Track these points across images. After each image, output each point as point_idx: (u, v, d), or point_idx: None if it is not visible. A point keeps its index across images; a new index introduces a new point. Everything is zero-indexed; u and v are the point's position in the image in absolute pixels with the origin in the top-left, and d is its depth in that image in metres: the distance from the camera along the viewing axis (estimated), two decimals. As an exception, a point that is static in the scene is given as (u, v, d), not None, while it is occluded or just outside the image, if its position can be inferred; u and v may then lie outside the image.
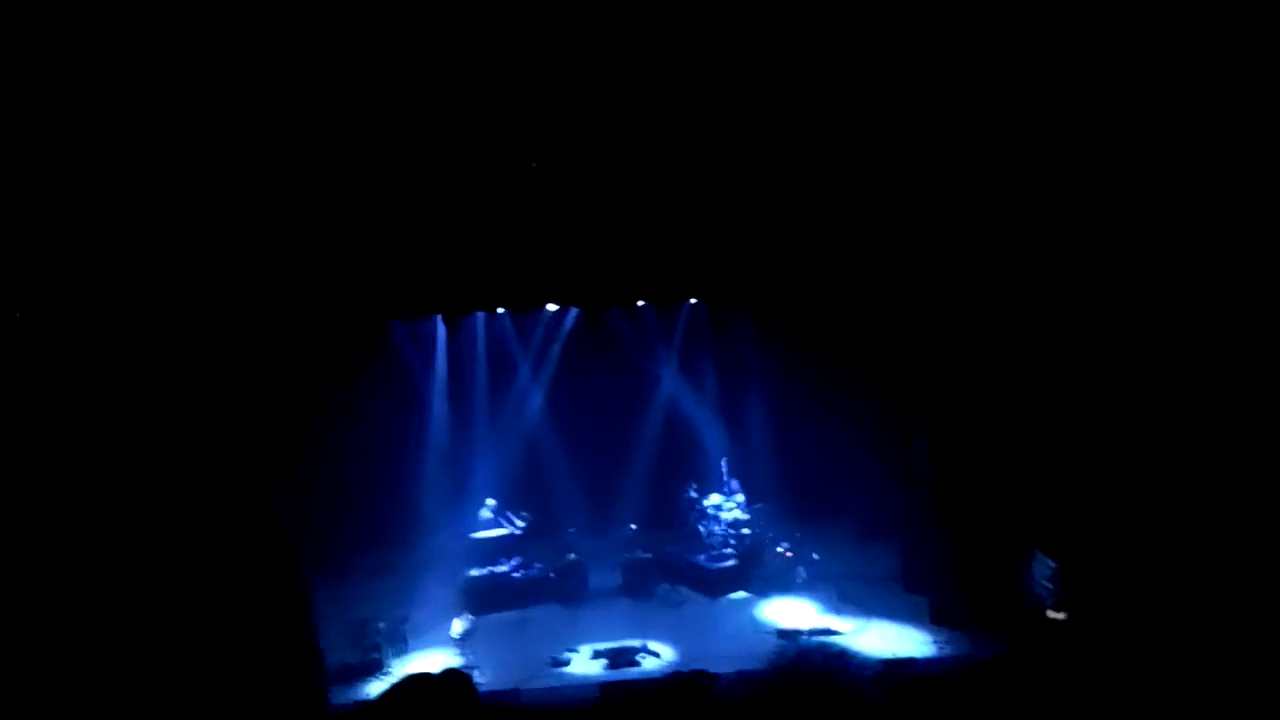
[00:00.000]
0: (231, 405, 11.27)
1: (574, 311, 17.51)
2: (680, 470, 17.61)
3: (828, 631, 13.36)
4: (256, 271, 11.08)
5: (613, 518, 17.76)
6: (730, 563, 15.81)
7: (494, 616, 14.92)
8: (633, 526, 17.00)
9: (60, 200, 9.87)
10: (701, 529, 16.46)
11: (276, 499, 11.70)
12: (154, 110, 9.62)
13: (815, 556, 15.90)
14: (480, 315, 17.32)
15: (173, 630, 10.56)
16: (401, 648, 13.52)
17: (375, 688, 12.27)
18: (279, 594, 11.57)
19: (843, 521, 17.49)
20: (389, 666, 12.95)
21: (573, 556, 16.01)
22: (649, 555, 16.10)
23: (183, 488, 10.88)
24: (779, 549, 15.86)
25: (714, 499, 16.64)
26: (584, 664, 13.01)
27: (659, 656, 13.03)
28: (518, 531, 16.31)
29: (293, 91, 9.92)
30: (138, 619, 10.43)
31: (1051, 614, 12.16)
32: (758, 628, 14.12)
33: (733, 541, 16.12)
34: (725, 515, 16.36)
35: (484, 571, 15.65)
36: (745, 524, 16.28)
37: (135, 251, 10.41)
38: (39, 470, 10.17)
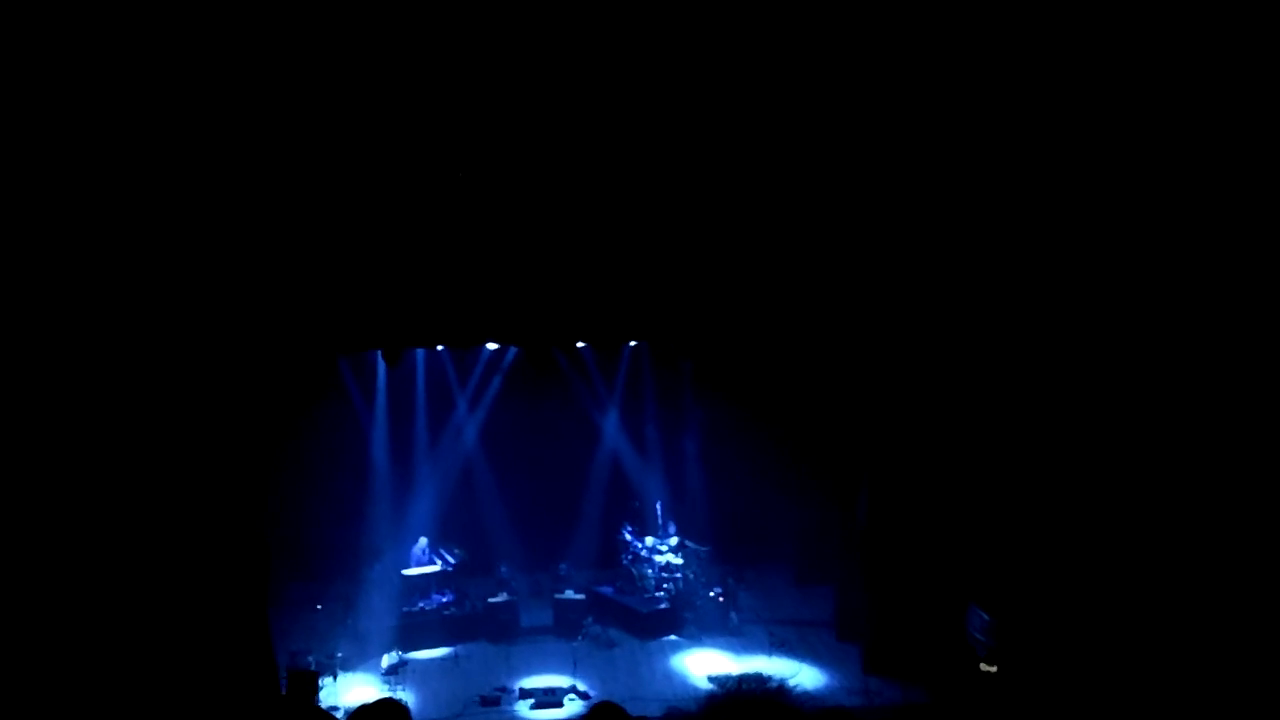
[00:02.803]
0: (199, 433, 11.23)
1: (513, 349, 17.48)
2: (617, 510, 17.55)
3: (759, 676, 13.35)
4: (205, 308, 11.02)
5: (549, 555, 17.63)
6: (663, 605, 15.76)
7: (425, 652, 14.83)
8: (563, 566, 16.95)
9: None
10: (635, 571, 16.42)
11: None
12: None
13: (747, 602, 15.94)
14: (420, 351, 17.26)
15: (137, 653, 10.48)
16: (332, 682, 13.37)
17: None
18: (244, 628, 11.61)
19: (778, 567, 17.61)
20: (318, 700, 12.77)
21: (505, 595, 15.93)
22: (581, 596, 16.04)
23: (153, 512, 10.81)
24: (711, 593, 15.86)
25: (649, 541, 16.63)
26: (511, 702, 12.95)
27: (588, 698, 12.97)
28: (449, 568, 16.22)
29: (233, 126, 9.94)
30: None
31: (984, 667, 12.26)
32: (687, 671, 14.13)
33: (666, 584, 16.08)
34: (659, 558, 16.32)
35: (415, 607, 15.52)
36: (679, 568, 16.28)
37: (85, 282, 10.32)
38: None
